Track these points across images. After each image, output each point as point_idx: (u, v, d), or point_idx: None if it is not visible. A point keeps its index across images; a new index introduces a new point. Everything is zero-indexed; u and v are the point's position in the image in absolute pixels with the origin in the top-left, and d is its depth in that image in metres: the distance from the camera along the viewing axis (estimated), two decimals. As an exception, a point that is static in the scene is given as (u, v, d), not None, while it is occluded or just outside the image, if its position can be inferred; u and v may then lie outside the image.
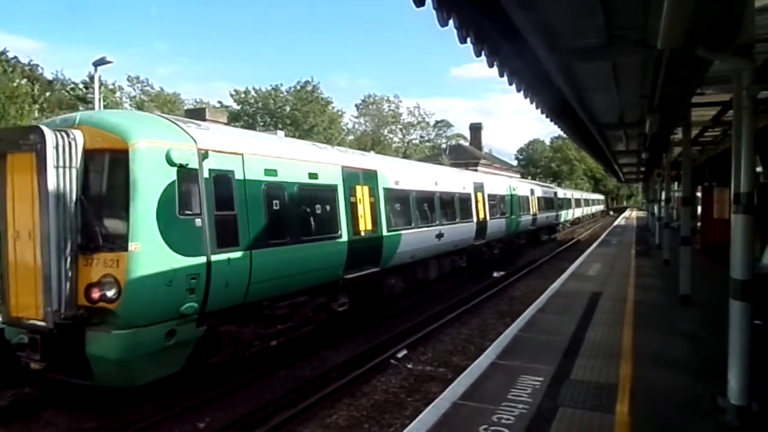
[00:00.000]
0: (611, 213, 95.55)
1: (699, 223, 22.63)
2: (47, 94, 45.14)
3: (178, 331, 7.71)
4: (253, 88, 63.24)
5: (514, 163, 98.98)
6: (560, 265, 21.83)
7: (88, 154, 7.46)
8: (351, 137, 78.39)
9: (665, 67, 7.16)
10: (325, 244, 10.95)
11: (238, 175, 8.74)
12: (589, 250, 23.53)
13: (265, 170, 9.42)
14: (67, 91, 48.15)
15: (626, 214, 74.91)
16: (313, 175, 10.81)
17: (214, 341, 8.48)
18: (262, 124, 60.11)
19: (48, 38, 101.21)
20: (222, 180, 8.41)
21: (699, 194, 26.58)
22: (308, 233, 10.44)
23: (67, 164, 7.19)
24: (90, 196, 7.46)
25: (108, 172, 7.61)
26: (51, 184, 6.98)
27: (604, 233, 36.20)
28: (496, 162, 70.84)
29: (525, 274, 21.25)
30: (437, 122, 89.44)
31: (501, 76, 7.14)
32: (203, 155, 8.11)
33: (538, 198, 33.88)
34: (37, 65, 45.88)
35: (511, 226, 25.99)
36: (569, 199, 51.11)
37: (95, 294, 7.09)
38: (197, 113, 21.55)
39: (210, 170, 8.19)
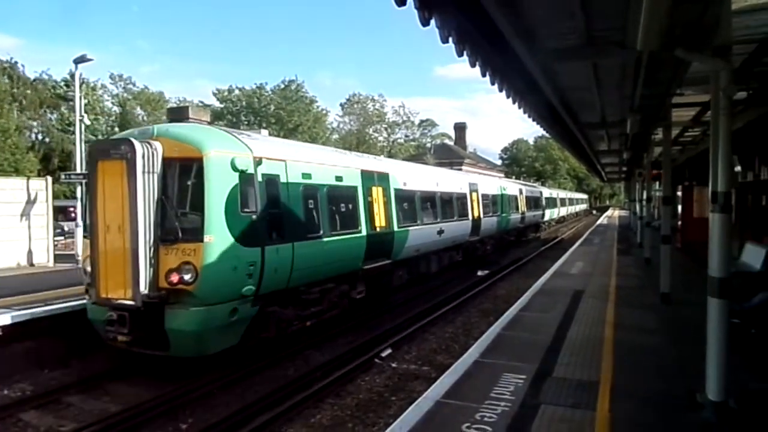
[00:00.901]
0: (594, 212, 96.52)
1: (679, 222, 22.96)
2: (28, 92, 44.50)
3: (239, 310, 9.08)
4: (237, 87, 62.98)
5: (499, 162, 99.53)
6: (544, 264, 22.00)
7: (166, 162, 8.76)
8: (336, 136, 78.23)
9: (645, 68, 7.26)
10: (349, 238, 12.33)
11: (283, 179, 10.21)
12: (572, 249, 23.74)
13: (302, 174, 10.90)
14: (48, 90, 47.44)
15: (609, 213, 75.73)
16: (338, 178, 12.37)
17: (263, 320, 9.82)
18: (246, 123, 59.76)
19: (27, 35, 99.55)
20: (271, 183, 9.84)
21: (680, 193, 26.96)
22: (335, 228, 11.85)
23: (150, 170, 8.53)
24: (168, 197, 8.78)
25: (185, 176, 8.97)
26: (139, 187, 8.34)
27: (587, 232, 36.55)
28: (480, 161, 71.21)
29: (509, 273, 21.39)
30: (422, 121, 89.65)
31: (483, 75, 7.18)
32: (257, 162, 9.53)
33: (526, 197, 35.53)
34: (17, 62, 45.09)
35: (502, 223, 27.50)
36: (555, 199, 52.91)
37: (175, 278, 8.42)
38: (180, 111, 21.49)
39: (262, 174, 9.61)
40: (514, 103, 9.91)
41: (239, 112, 61.98)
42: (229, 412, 7.57)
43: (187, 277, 8.42)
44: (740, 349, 6.66)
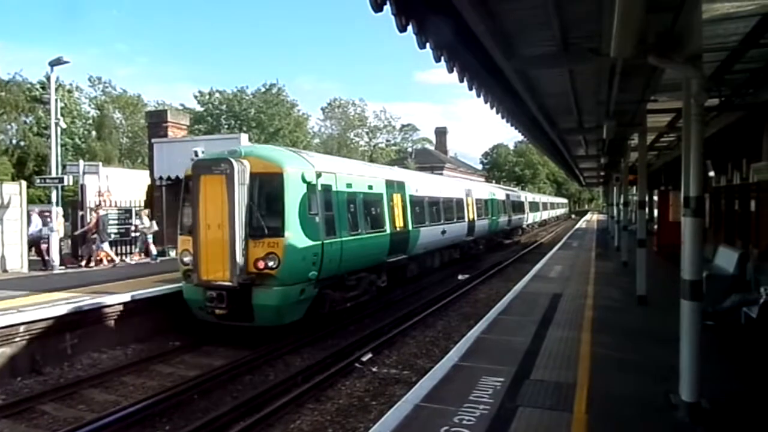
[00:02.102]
0: (573, 216, 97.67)
1: (656, 226, 23.32)
2: (2, 94, 43.55)
3: (306, 290, 11.50)
4: (218, 90, 62.48)
5: (479, 167, 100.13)
6: (523, 268, 22.19)
7: (253, 176, 11.12)
8: (317, 140, 78.04)
9: (619, 75, 7.40)
10: (378, 235, 14.94)
11: (334, 188, 12.75)
12: (551, 253, 23.96)
13: (346, 184, 13.46)
14: (23, 92, 46.50)
15: (587, 217, 76.66)
16: (370, 186, 14.99)
17: (320, 299, 12.18)
18: (226, 126, 59.38)
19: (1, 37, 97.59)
20: (327, 191, 12.35)
21: (656, 198, 27.33)
22: (369, 227, 14.40)
23: (243, 182, 10.89)
24: (255, 202, 11.16)
25: (268, 187, 11.29)
26: (236, 195, 10.68)
27: (566, 236, 36.94)
28: (461, 166, 71.56)
29: (489, 277, 21.52)
30: (403, 126, 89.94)
31: (461, 81, 7.25)
32: (318, 175, 12.01)
33: (512, 202, 38.82)
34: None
35: (492, 225, 30.60)
36: (537, 203, 56.72)
37: (261, 264, 10.86)
38: (159, 115, 21.66)
39: (321, 185, 12.06)
40: (492, 108, 10.02)
41: (220, 115, 61.44)
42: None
43: (271, 264, 10.85)
44: (713, 350, 6.80)
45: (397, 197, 16.51)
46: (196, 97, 62.98)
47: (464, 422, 5.39)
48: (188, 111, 52.62)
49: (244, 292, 10.81)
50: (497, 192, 34.57)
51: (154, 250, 19.02)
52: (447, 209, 21.86)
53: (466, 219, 24.75)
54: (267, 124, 61.25)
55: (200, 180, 11.11)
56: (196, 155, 18.82)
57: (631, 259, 14.71)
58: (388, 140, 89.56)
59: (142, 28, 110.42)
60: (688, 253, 5.45)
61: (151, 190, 20.68)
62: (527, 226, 47.78)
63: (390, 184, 16.30)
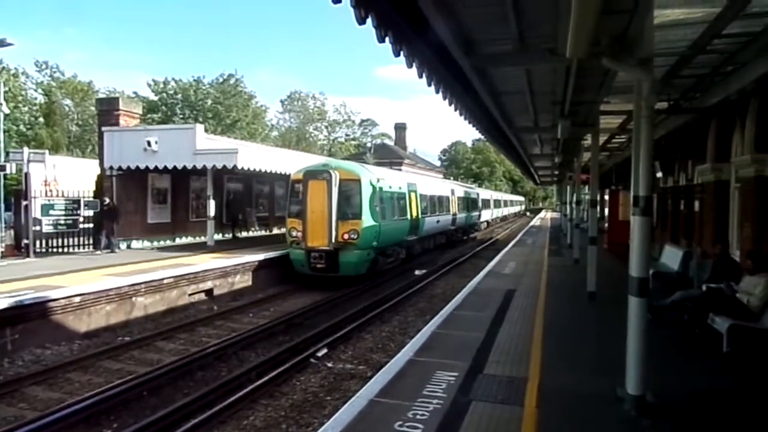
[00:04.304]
0: (528, 214, 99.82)
1: (606, 224, 24.02)
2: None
3: (370, 254, 18.11)
4: (173, 79, 60.54)
5: (438, 163, 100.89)
6: (479, 264, 22.51)
7: (341, 181, 17.34)
8: (275, 133, 77.02)
9: (574, 76, 7.54)
10: (403, 221, 21.68)
11: (384, 189, 19.34)
12: (505, 250, 24.39)
13: (389, 186, 20.17)
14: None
15: (541, 215, 78.40)
16: (399, 188, 21.77)
17: (375, 262, 18.77)
18: (181, 116, 57.70)
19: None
20: (380, 191, 18.81)
21: (607, 197, 28.07)
22: (399, 215, 21.22)
23: (336, 185, 17.11)
24: (342, 198, 17.39)
25: (350, 188, 17.65)
26: (333, 194, 17.00)
27: (521, 233, 37.64)
28: (420, 162, 71.67)
29: (445, 273, 21.73)
30: (363, 121, 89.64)
31: (420, 77, 7.25)
32: (378, 180, 18.74)
33: (483, 199, 47.66)
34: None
35: (468, 218, 37.93)
36: (500, 200, 67.69)
37: (346, 236, 17.22)
38: (110, 103, 20.94)
39: (378, 187, 18.57)
40: (450, 104, 10.06)
41: (175, 105, 59.48)
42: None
43: (353, 236, 17.34)
44: (661, 345, 7.04)
45: (413, 195, 23.31)
46: (149, 85, 60.78)
47: (418, 417, 5.41)
48: (141, 99, 50.98)
49: (335, 254, 17.24)
50: (471, 191, 42.87)
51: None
52: (440, 204, 28.83)
53: (452, 212, 31.81)
54: (224, 115, 59.90)
55: (308, 183, 17.46)
56: (149, 145, 18.46)
57: (583, 256, 15.10)
58: (347, 135, 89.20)
59: (92, 11, 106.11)
60: (636, 251, 5.60)
61: (101, 180, 19.95)
62: (492, 220, 56.24)
63: (409, 185, 23.36)
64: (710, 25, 6.86)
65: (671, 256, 13.65)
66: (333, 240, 16.95)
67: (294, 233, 17.85)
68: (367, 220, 17.50)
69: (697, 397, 6.15)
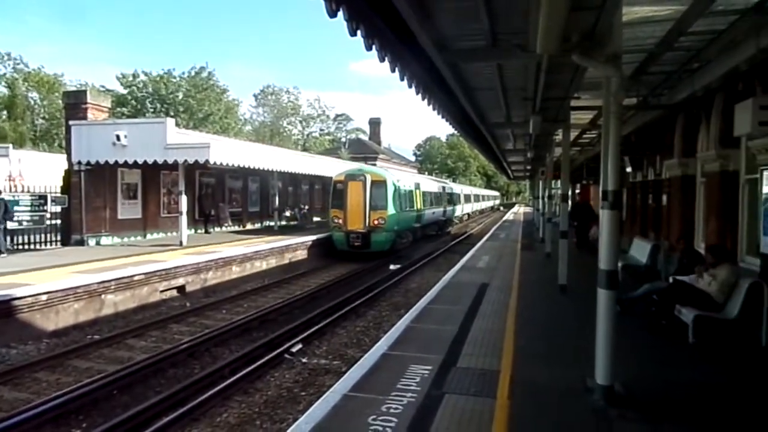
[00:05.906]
0: (501, 208, 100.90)
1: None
2: None
3: (393, 235, 24.54)
4: (143, 72, 59.34)
5: (413, 158, 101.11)
6: (453, 258, 22.68)
7: (372, 182, 23.85)
8: (249, 128, 76.21)
9: (545, 72, 7.62)
10: (412, 212, 28.19)
11: (401, 188, 25.56)
12: (479, 244, 24.57)
13: (403, 185, 26.56)
14: None
15: (515, 209, 79.33)
16: (409, 185, 28.17)
17: (395, 242, 25.08)
18: (152, 110, 56.62)
19: None
20: (399, 189, 25.13)
21: (578, 191, 28.48)
22: (409, 207, 27.45)
23: (367, 185, 23.70)
24: (372, 195, 23.66)
25: (379, 188, 23.92)
26: (367, 192, 23.70)
27: (494, 227, 37.99)
28: (394, 157, 71.81)
29: (420, 267, 21.86)
30: (337, 116, 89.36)
31: (393, 71, 7.24)
32: (398, 180, 25.73)
33: (464, 194, 54.18)
34: None
35: (455, 211, 45.49)
36: (479, 195, 74.69)
37: (377, 222, 23.65)
38: (77, 96, 20.45)
39: (398, 186, 25.06)
40: (423, 99, 10.07)
41: (145, 98, 58.21)
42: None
43: (381, 222, 23.45)
44: (629, 336, 7.21)
45: (417, 192, 29.77)
46: (118, 78, 59.27)
47: (391, 410, 5.43)
48: (110, 93, 49.87)
49: (368, 235, 23.31)
50: (455, 187, 50.45)
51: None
52: (434, 199, 35.52)
53: (442, 206, 38.26)
54: (196, 109, 59.04)
55: (348, 183, 23.78)
56: (118, 139, 18.07)
57: (554, 250, 15.29)
58: (321, 129, 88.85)
59: (58, 4, 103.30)
60: (605, 245, 5.70)
61: (69, 175, 19.48)
62: (471, 213, 62.19)
63: (416, 184, 30.16)
64: (677, 22, 7.00)
65: (640, 249, 13.92)
66: (367, 224, 23.24)
67: (336, 220, 23.91)
68: (390, 210, 23.77)
69: (664, 386, 6.31)
